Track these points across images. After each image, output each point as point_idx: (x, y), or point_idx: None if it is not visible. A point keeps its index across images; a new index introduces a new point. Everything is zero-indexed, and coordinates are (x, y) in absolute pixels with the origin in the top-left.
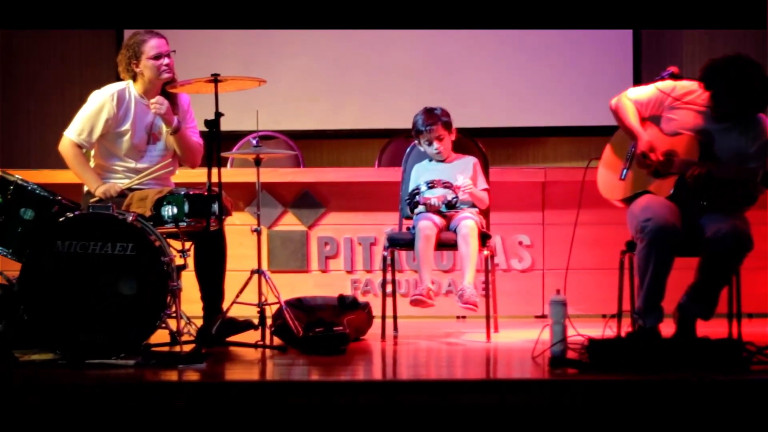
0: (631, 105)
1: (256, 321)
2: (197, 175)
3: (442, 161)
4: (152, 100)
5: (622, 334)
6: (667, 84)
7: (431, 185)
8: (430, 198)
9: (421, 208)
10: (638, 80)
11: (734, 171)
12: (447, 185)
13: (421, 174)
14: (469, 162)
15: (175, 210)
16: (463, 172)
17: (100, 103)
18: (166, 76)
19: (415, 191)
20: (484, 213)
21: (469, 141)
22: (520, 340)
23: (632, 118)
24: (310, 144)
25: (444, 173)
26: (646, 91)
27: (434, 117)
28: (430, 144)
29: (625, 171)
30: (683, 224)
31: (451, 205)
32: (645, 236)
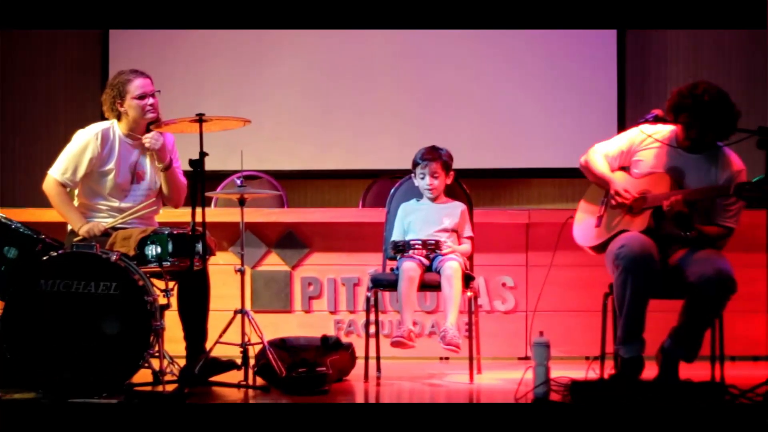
0: (600, 156)
1: (239, 361)
2: (181, 214)
3: (431, 200)
4: (147, 135)
5: (605, 376)
6: (635, 134)
7: (418, 248)
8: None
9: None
10: (623, 123)
11: (707, 191)
12: (431, 246)
13: (408, 214)
14: (457, 209)
15: (159, 249)
16: (449, 217)
17: (84, 142)
18: (150, 116)
19: (400, 244)
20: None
21: (454, 182)
22: (503, 382)
23: (602, 168)
24: (294, 184)
25: (430, 214)
26: (614, 144)
27: (436, 153)
28: (423, 178)
29: (600, 218)
30: (665, 264)
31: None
32: (619, 263)
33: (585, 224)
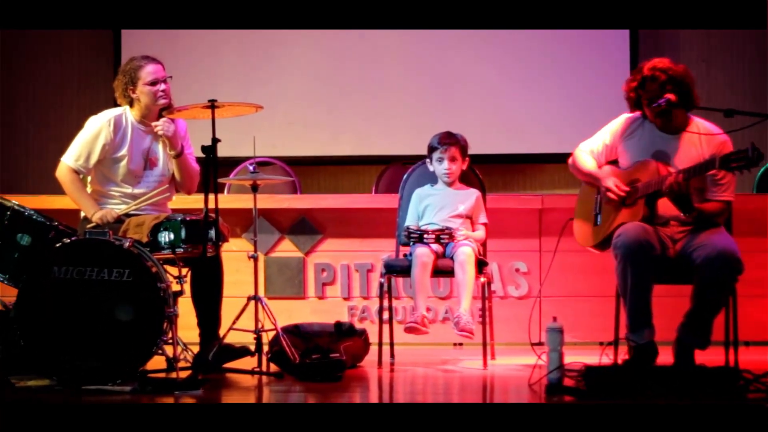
0: (587, 155)
1: (252, 347)
2: (194, 201)
3: (447, 186)
4: (158, 122)
5: (619, 361)
6: (615, 125)
7: (432, 238)
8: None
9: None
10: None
11: (694, 168)
12: (445, 237)
13: (422, 199)
14: (472, 195)
15: (172, 236)
16: (464, 203)
17: (97, 128)
18: (162, 102)
19: (414, 232)
20: None
21: (468, 168)
22: (516, 367)
23: (589, 166)
24: (307, 170)
25: (446, 199)
26: (598, 140)
27: (454, 138)
28: (441, 162)
29: (597, 216)
30: (666, 250)
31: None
32: (618, 251)
33: (583, 225)
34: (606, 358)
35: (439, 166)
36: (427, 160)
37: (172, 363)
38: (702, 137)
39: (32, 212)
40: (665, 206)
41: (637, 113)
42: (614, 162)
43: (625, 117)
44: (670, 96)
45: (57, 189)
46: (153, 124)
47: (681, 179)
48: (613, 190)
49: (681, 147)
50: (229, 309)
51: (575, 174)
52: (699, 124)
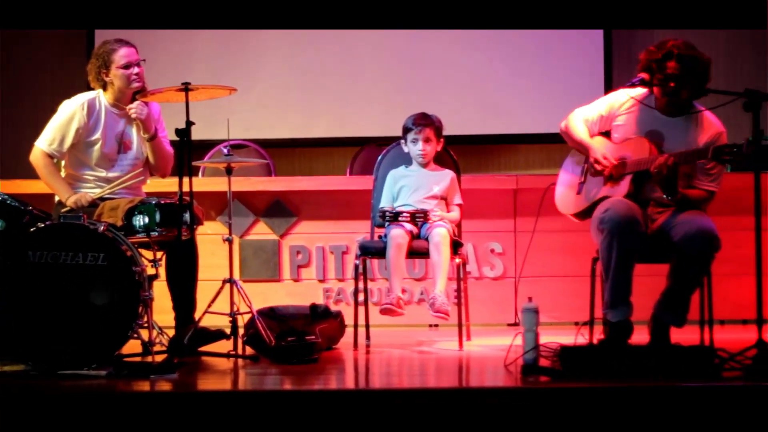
0: (580, 122)
1: (228, 330)
2: (168, 184)
3: (422, 167)
4: (132, 105)
5: (594, 341)
6: (614, 98)
7: (407, 217)
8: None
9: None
10: (609, 86)
11: (688, 154)
12: (420, 218)
13: (397, 180)
14: (447, 176)
15: (147, 219)
16: (439, 184)
17: (70, 112)
18: (136, 85)
19: (388, 213)
20: None
21: (443, 150)
22: (492, 348)
23: (582, 134)
24: (281, 152)
25: (420, 180)
26: (593, 109)
27: (428, 119)
28: (415, 143)
29: (582, 185)
30: (647, 229)
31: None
32: (604, 227)
33: (566, 191)
34: (581, 338)
35: (414, 147)
36: (402, 141)
37: (147, 347)
38: (699, 125)
39: (6, 197)
40: (649, 187)
41: (639, 90)
42: (606, 134)
43: (624, 91)
44: (644, 75)
45: (30, 173)
46: (127, 107)
47: (670, 162)
48: (602, 162)
49: (676, 131)
50: (204, 292)
51: (566, 139)
52: (700, 112)
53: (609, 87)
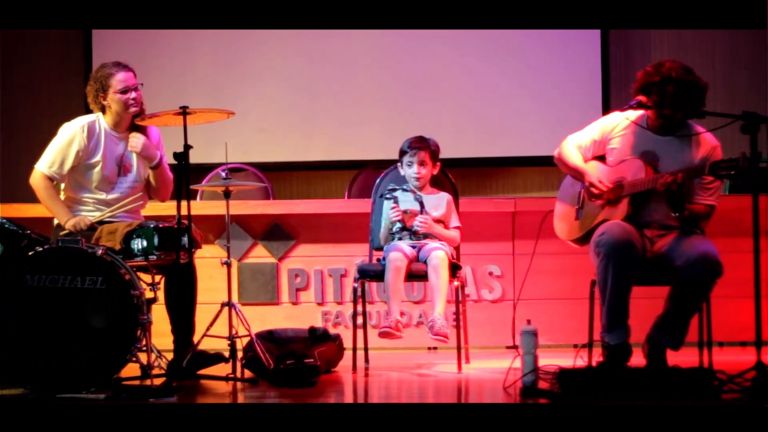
0: (573, 148)
1: (226, 354)
2: (166, 208)
3: (417, 190)
4: (129, 138)
5: (593, 363)
6: (605, 122)
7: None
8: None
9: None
10: (607, 109)
11: (684, 173)
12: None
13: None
14: (443, 198)
15: (145, 243)
16: (436, 208)
17: (70, 135)
18: (133, 110)
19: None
20: None
21: (440, 172)
22: (491, 371)
23: (576, 159)
24: (279, 176)
25: (416, 204)
26: (586, 134)
27: (424, 142)
28: (410, 166)
29: (579, 211)
30: (646, 251)
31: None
32: (600, 250)
33: (565, 218)
34: (580, 361)
35: (409, 170)
36: (399, 163)
37: (146, 370)
38: (693, 142)
39: (4, 220)
40: (648, 208)
41: (631, 111)
42: (600, 158)
43: (616, 114)
44: (642, 98)
45: (29, 197)
46: (119, 135)
47: (680, 179)
48: (597, 186)
49: (671, 149)
50: (202, 315)
51: (560, 166)
52: (692, 128)
53: (606, 110)
